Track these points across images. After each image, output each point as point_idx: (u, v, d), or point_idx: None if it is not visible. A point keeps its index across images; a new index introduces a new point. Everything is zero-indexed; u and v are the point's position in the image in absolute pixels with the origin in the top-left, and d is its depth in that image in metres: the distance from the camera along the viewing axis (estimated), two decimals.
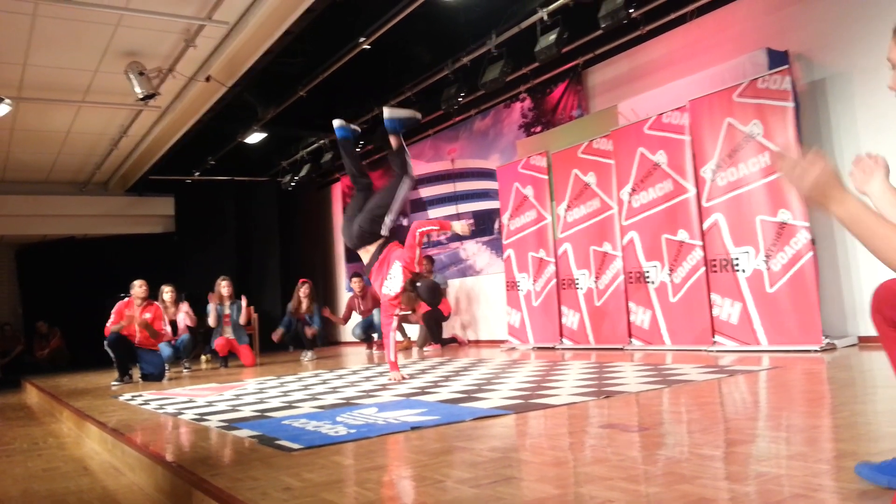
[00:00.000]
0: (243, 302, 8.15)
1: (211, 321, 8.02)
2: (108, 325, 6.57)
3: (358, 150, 5.64)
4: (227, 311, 8.13)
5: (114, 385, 6.29)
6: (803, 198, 1.40)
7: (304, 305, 8.32)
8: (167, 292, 7.83)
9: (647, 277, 6.00)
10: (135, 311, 6.63)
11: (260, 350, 9.48)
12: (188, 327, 7.78)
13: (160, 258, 11.02)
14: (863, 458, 1.87)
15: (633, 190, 6.12)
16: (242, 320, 8.13)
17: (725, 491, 1.64)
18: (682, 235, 5.70)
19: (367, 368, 6.20)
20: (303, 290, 8.36)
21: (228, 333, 8.06)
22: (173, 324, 7.61)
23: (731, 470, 1.87)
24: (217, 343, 8.07)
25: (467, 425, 2.84)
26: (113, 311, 6.65)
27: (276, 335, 8.27)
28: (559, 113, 7.58)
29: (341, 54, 7.42)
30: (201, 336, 9.28)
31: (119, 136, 9.23)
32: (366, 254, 5.02)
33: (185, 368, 7.68)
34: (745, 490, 1.64)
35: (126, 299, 6.73)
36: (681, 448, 2.18)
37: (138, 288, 6.67)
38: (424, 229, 4.95)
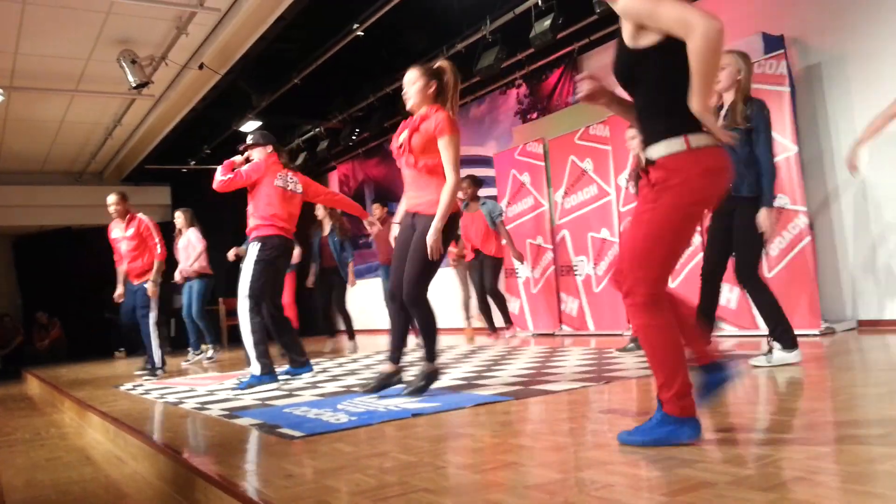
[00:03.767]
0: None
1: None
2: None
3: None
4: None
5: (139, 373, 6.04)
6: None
7: (326, 225, 7.03)
8: (178, 217, 7.55)
9: None
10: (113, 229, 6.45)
11: None
12: (197, 275, 7.32)
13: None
14: (862, 440, 1.89)
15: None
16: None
17: (725, 475, 1.65)
18: None
19: (367, 357, 6.21)
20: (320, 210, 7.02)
21: None
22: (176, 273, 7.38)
23: (731, 454, 1.89)
24: None
25: (468, 412, 2.85)
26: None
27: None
28: (555, 99, 7.55)
29: (335, 41, 7.37)
30: (205, 326, 9.20)
31: (113, 126, 9.19)
32: None
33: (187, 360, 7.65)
34: (745, 473, 1.66)
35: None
36: None
37: (112, 206, 6.36)
38: None
